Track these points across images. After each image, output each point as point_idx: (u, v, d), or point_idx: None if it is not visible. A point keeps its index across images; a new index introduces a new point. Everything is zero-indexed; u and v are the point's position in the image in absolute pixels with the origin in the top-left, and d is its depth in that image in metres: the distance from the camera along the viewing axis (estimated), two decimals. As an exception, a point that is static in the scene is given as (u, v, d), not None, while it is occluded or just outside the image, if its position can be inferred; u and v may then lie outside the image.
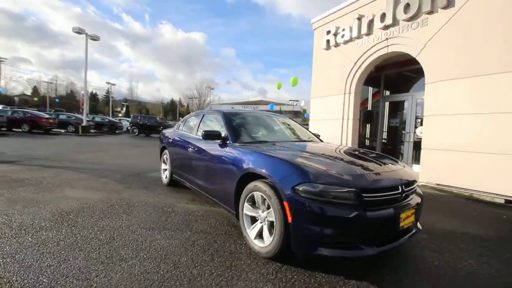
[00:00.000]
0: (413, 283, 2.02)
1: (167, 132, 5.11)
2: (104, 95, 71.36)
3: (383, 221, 2.00)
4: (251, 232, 2.45)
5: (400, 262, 2.35)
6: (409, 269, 2.23)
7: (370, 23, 6.61)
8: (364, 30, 6.75)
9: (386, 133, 8.18)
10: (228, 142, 3.03)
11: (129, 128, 23.37)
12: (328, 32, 7.80)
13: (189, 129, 4.28)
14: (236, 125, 3.30)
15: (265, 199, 2.29)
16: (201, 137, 3.69)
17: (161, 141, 5.15)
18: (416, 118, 7.08)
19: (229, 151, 2.85)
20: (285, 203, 2.04)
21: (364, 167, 2.34)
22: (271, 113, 4.42)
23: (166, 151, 4.80)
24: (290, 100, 56.26)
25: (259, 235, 2.38)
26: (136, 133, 21.78)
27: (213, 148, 3.17)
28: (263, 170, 2.28)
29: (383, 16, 6.27)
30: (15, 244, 2.32)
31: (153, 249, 2.36)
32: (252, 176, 2.49)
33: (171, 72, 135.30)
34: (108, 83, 42.88)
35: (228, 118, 3.39)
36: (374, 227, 1.99)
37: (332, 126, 7.68)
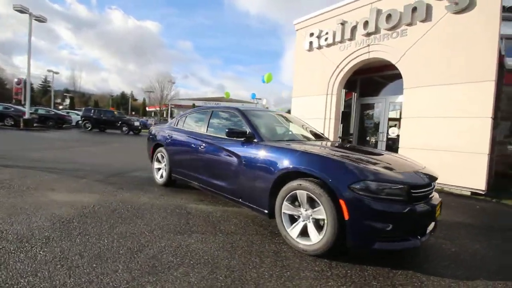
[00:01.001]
0: (450, 268, 2.24)
1: (160, 129, 4.76)
2: (41, 84, 62.75)
3: (427, 214, 2.18)
4: (292, 231, 2.44)
5: (427, 252, 2.58)
6: (438, 257, 2.47)
7: (354, 29, 7.03)
8: (347, 35, 7.14)
9: (359, 132, 8.80)
10: (255, 140, 2.95)
11: (80, 122, 21.03)
12: (312, 34, 8.07)
13: (194, 126, 4.05)
14: (258, 123, 3.23)
15: (310, 197, 2.31)
16: (214, 135, 3.55)
17: (153, 139, 4.78)
18: (389, 119, 7.77)
19: (260, 150, 2.79)
20: (342, 201, 2.08)
21: (403, 165, 2.51)
22: (274, 111, 4.43)
23: (161, 149, 4.47)
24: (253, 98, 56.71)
25: (302, 233, 2.39)
26: (89, 128, 19.72)
27: (237, 146, 3.05)
28: (312, 169, 2.29)
29: (366, 24, 6.72)
30: (27, 259, 1.95)
31: (195, 254, 2.20)
32: (291, 175, 2.48)
33: (121, 62, 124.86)
34: (49, 71, 37.56)
35: (248, 116, 3.30)
36: (421, 220, 2.16)
37: (314, 124, 7.94)
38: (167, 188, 4.31)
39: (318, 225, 2.32)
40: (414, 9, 5.84)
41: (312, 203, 2.34)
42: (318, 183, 2.26)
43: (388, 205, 2.04)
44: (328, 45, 7.68)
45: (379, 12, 6.47)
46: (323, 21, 7.83)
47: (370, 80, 8.42)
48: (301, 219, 2.43)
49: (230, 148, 3.12)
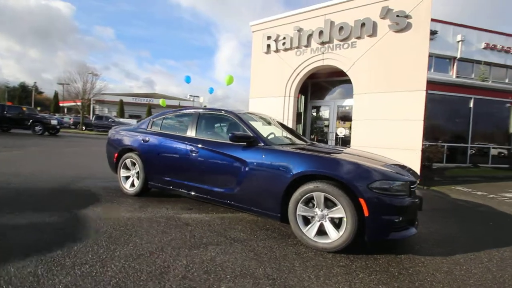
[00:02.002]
0: (429, 246, 2.71)
1: (127, 132, 4.20)
2: None
3: (418, 205, 2.58)
4: (309, 232, 2.55)
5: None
6: (416, 240, 2.94)
7: (309, 37, 7.57)
8: (303, 42, 7.64)
9: (311, 132, 9.55)
10: (260, 144, 2.94)
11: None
12: (269, 38, 8.32)
13: (177, 129, 3.75)
14: (257, 127, 3.21)
15: (327, 198, 2.46)
16: (208, 139, 3.37)
17: (117, 143, 4.21)
18: (337, 120, 8.67)
19: (269, 154, 2.80)
20: (362, 200, 2.30)
21: (398, 166, 2.89)
22: (254, 113, 4.44)
23: (130, 154, 3.98)
24: (190, 96, 54.54)
25: (319, 232, 2.53)
26: (-13, 128, 15.73)
27: (239, 151, 2.98)
28: (334, 172, 2.43)
29: (321, 33, 7.32)
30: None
31: (225, 267, 2.08)
32: (305, 178, 2.59)
33: (20, 47, 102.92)
34: None
35: (245, 120, 3.25)
36: (416, 210, 2.55)
37: (273, 125, 8.28)
38: (141, 198, 3.86)
39: (334, 224, 2.49)
40: (363, 25, 6.67)
41: (326, 203, 2.50)
42: (335, 184, 2.42)
43: (397, 200, 2.35)
44: (286, 50, 8.07)
45: (332, 23, 7.15)
46: (280, 26, 8.17)
47: (320, 84, 9.21)
48: (316, 219, 2.56)
49: (232, 153, 3.01)
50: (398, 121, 6.36)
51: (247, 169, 2.88)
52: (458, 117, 10.60)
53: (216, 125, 3.52)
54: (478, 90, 10.50)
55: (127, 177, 4.10)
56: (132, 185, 4.01)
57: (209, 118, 3.59)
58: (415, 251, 2.61)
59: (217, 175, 3.15)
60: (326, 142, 8.88)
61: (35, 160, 6.73)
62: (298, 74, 7.95)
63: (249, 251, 2.39)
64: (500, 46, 14.75)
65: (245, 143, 2.98)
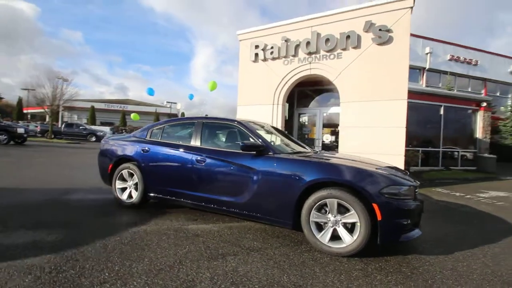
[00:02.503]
0: (430, 245, 2.91)
1: (123, 141, 4.07)
2: None
3: (421, 207, 2.76)
4: (322, 237, 2.63)
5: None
6: (414, 240, 3.13)
7: (297, 47, 7.82)
8: (291, 52, 7.88)
9: (298, 138, 9.76)
10: (270, 153, 2.99)
11: None
12: (257, 47, 8.47)
13: (180, 139, 3.69)
14: (265, 136, 3.27)
15: (340, 204, 2.57)
16: (215, 149, 3.38)
17: (111, 154, 4.05)
18: (323, 127, 8.97)
19: (281, 162, 2.86)
20: (375, 205, 2.42)
21: (400, 171, 3.07)
22: (257, 121, 4.49)
23: (128, 165, 3.84)
24: (167, 102, 53.14)
25: (332, 238, 2.61)
26: None
27: (249, 160, 3.00)
28: (344, 179, 2.54)
29: (308, 44, 7.60)
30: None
31: (250, 277, 2.09)
32: (317, 185, 2.67)
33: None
34: None
35: (253, 129, 3.29)
36: (420, 212, 2.73)
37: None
38: (140, 210, 3.73)
39: (347, 229, 2.59)
40: (348, 37, 7.04)
41: (339, 209, 2.60)
42: (348, 190, 2.54)
43: (405, 204, 2.50)
44: (274, 59, 8.25)
45: (319, 35, 7.46)
46: (267, 35, 8.35)
47: (306, 92, 9.50)
48: (329, 225, 2.65)
49: (242, 162, 3.03)
50: (382, 128, 6.73)
51: (258, 178, 2.91)
52: (430, 124, 11.41)
53: (222, 134, 3.52)
54: (447, 98, 11.42)
55: (123, 189, 3.94)
56: (130, 196, 3.86)
57: (214, 127, 3.59)
58: (419, 252, 2.77)
59: (226, 184, 3.15)
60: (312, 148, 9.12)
61: (9, 172, 6.22)
62: (286, 82, 8.15)
63: (268, 260, 2.41)
64: (463, 58, 16.22)
65: (254, 152, 3.01)
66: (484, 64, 16.81)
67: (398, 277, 2.22)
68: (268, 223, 3.10)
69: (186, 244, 2.66)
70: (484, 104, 11.85)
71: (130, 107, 48.40)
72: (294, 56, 7.90)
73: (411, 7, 6.41)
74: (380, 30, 6.63)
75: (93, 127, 31.03)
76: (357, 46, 6.96)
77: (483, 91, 17.30)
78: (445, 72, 15.96)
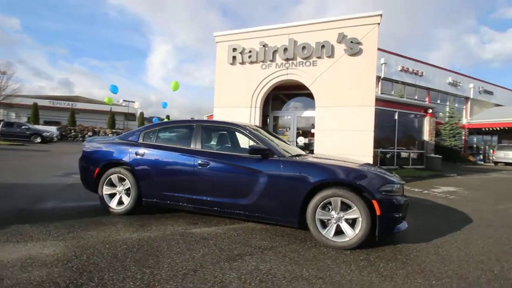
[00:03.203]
0: (411, 236, 3.34)
1: (111, 145, 3.85)
2: None
3: (408, 203, 3.17)
4: (327, 233, 2.86)
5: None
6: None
7: (275, 52, 8.10)
8: (269, 57, 8.14)
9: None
10: (275, 156, 3.13)
11: None
12: (234, 50, 8.55)
13: (177, 142, 3.64)
14: (268, 139, 3.40)
15: (343, 202, 2.83)
16: (218, 152, 3.41)
17: (100, 158, 3.81)
18: (297, 130, 9.39)
19: (288, 165, 3.03)
20: (374, 201, 2.73)
21: (387, 170, 3.44)
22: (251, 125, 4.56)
23: (118, 169, 3.66)
24: (124, 101, 49.63)
25: (336, 233, 2.86)
26: None
27: (255, 163, 3.11)
28: (347, 179, 2.81)
29: (285, 50, 7.94)
30: None
31: (274, 274, 2.21)
32: (322, 185, 2.90)
33: None
34: None
35: (258, 133, 3.41)
36: (407, 208, 3.12)
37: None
38: (132, 217, 3.57)
39: (349, 224, 2.86)
40: (323, 46, 7.54)
41: (341, 206, 2.86)
42: (350, 189, 2.81)
43: (398, 199, 2.86)
44: (251, 63, 8.43)
45: (295, 42, 7.85)
46: (245, 39, 8.50)
47: (281, 96, 9.85)
48: (333, 221, 2.89)
49: (248, 165, 3.12)
50: (353, 132, 7.34)
51: (265, 180, 3.03)
52: (387, 127, 12.68)
53: (223, 138, 3.56)
54: (401, 105, 12.80)
55: (111, 195, 3.73)
56: (120, 203, 3.67)
57: (214, 130, 3.61)
58: (404, 241, 3.16)
59: (231, 187, 3.21)
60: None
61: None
62: (263, 86, 8.38)
63: (282, 257, 2.55)
64: (411, 69, 18.32)
65: (259, 156, 3.13)
66: (428, 75, 19.21)
67: (397, 263, 2.54)
68: (272, 222, 3.24)
69: (199, 248, 2.67)
70: (430, 110, 13.56)
71: (80, 105, 44.13)
72: (271, 61, 8.18)
73: (378, 23, 7.13)
74: (351, 42, 7.24)
75: (37, 126, 27.64)
76: (331, 56, 7.50)
77: (427, 99, 19.73)
78: (397, 81, 17.85)
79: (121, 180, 3.68)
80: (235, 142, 3.50)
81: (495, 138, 23.64)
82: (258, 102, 8.48)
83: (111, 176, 3.69)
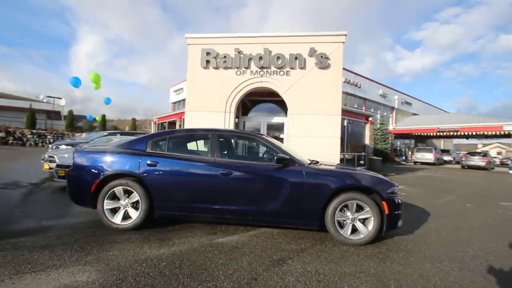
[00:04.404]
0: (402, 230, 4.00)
1: (113, 154, 3.50)
2: None
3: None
4: (345, 232, 3.25)
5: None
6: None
7: (250, 60, 8.32)
8: (244, 64, 8.32)
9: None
10: (296, 165, 3.38)
11: None
12: (208, 54, 8.46)
13: (192, 151, 3.57)
14: (284, 148, 3.61)
15: (358, 203, 3.26)
16: (241, 161, 3.49)
17: (99, 169, 3.44)
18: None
19: (312, 173, 3.31)
20: (384, 202, 3.22)
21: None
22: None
23: (125, 181, 3.38)
24: (48, 97, 42.91)
25: (352, 232, 3.27)
26: None
27: (278, 171, 3.30)
28: (367, 184, 3.24)
29: (260, 58, 8.24)
30: None
31: (322, 273, 2.46)
32: (340, 190, 3.28)
33: None
34: None
35: (274, 141, 3.59)
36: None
37: (214, 140, 8.43)
38: (141, 232, 3.35)
39: (362, 223, 3.30)
40: (296, 58, 8.11)
41: (356, 208, 3.28)
42: (364, 192, 3.25)
43: (397, 199, 3.42)
44: (226, 68, 8.48)
45: (270, 52, 8.23)
46: (220, 44, 8.51)
47: (251, 102, 10.11)
48: (348, 221, 3.29)
49: (273, 174, 3.29)
50: (322, 138, 8.09)
51: (289, 187, 3.25)
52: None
53: (242, 147, 3.62)
54: (349, 113, 14.46)
55: (114, 209, 3.42)
56: (125, 218, 3.40)
57: (232, 139, 3.65)
58: (395, 235, 3.78)
59: (256, 195, 3.32)
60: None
61: None
62: (238, 92, 8.52)
63: (317, 257, 2.82)
64: (352, 81, 20.77)
65: (281, 164, 3.34)
66: (364, 87, 22.06)
67: (404, 253, 3.07)
68: (293, 226, 3.47)
69: (238, 257, 2.73)
70: (370, 118, 15.67)
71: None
72: (246, 68, 8.39)
73: (343, 42, 8.05)
74: (321, 56, 7.99)
75: None
76: (303, 67, 8.13)
77: (363, 108, 22.61)
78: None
79: (127, 193, 3.41)
80: (253, 150, 3.62)
81: (413, 141, 28.53)
82: (233, 107, 8.57)
83: (114, 189, 3.38)
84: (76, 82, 14.02)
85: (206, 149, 3.66)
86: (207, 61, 8.51)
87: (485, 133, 19.44)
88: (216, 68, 8.53)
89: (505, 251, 3.27)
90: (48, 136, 25.62)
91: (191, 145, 3.72)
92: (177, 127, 19.74)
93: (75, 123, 40.31)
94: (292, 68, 8.21)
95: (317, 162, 3.97)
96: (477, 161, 18.72)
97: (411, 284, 2.34)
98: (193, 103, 8.70)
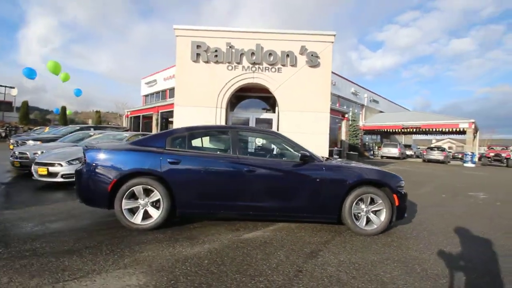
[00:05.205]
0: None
1: (130, 152, 3.37)
2: None
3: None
4: (360, 224, 3.51)
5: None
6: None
7: (242, 55, 8.28)
8: (236, 59, 8.26)
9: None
10: (315, 161, 3.54)
11: None
12: (199, 47, 8.24)
13: (212, 149, 3.55)
14: (301, 145, 3.75)
15: (372, 197, 3.53)
16: (262, 158, 3.54)
17: (117, 168, 3.26)
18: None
19: (331, 168, 3.49)
20: (395, 195, 3.53)
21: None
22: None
23: (145, 179, 3.27)
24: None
25: (366, 223, 3.54)
26: None
27: (300, 167, 3.44)
28: (381, 179, 3.52)
29: (252, 54, 8.24)
30: None
31: (355, 261, 2.67)
32: (356, 185, 3.52)
33: None
34: None
35: (291, 139, 3.71)
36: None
37: (205, 135, 8.32)
38: (166, 232, 3.27)
39: (374, 215, 3.58)
40: (287, 56, 8.26)
41: (370, 200, 3.56)
42: (378, 186, 3.53)
43: (405, 192, 3.75)
44: (217, 62, 8.35)
45: (262, 48, 8.27)
46: (210, 37, 8.33)
47: (240, 98, 10.08)
48: (363, 213, 3.55)
49: (296, 170, 3.42)
50: (311, 134, 8.39)
51: (311, 182, 3.41)
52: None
53: (262, 144, 3.67)
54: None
55: (131, 209, 3.30)
56: (147, 216, 3.30)
57: (250, 136, 3.69)
58: (397, 224, 4.15)
59: (281, 191, 3.42)
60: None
61: None
62: (230, 87, 8.46)
63: (343, 248, 3.02)
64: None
65: (301, 161, 3.48)
66: (338, 85, 23.04)
67: (413, 240, 3.41)
68: (313, 220, 3.64)
69: (273, 251, 2.83)
70: (346, 115, 16.53)
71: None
72: (238, 63, 8.35)
73: (332, 42, 8.37)
74: (312, 55, 8.24)
75: None
76: (294, 65, 8.32)
77: (337, 105, 23.66)
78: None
79: (147, 192, 3.30)
80: (270, 147, 3.70)
81: (379, 137, 30.59)
82: (224, 102, 8.50)
83: (133, 188, 3.25)
84: (30, 73, 12.63)
85: (223, 146, 3.67)
86: (198, 54, 8.30)
87: (443, 129, 21.58)
88: (207, 62, 8.36)
89: (493, 232, 3.78)
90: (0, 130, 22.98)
91: (209, 142, 3.69)
92: (154, 121, 18.93)
93: (33, 115, 36.40)
94: (283, 65, 8.35)
95: (328, 158, 4.18)
96: (436, 155, 20.77)
97: (432, 267, 2.64)
98: (183, 97, 8.46)
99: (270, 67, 8.38)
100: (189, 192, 3.33)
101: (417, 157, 27.14)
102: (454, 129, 20.66)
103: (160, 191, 3.27)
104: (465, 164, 19.31)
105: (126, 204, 3.25)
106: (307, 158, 3.47)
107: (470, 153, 19.24)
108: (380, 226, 3.50)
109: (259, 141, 3.91)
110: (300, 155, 3.40)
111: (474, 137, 20.79)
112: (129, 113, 23.12)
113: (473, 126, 19.39)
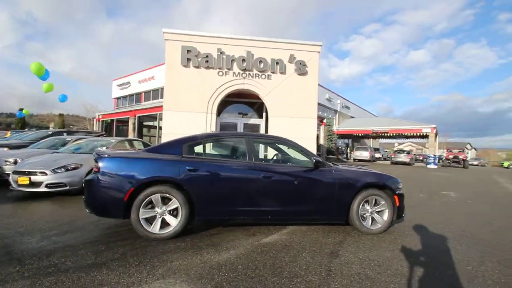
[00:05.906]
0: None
1: (145, 160, 3.32)
2: None
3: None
4: (366, 224, 3.78)
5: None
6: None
7: (232, 61, 8.37)
8: (227, 65, 8.32)
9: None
10: (326, 167, 3.76)
11: None
12: (189, 51, 8.18)
13: (228, 156, 3.60)
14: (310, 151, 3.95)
15: (376, 199, 3.83)
16: (276, 164, 3.68)
17: (134, 176, 3.19)
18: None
19: (341, 173, 3.73)
20: (396, 196, 3.87)
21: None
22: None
23: (164, 187, 3.24)
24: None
25: (371, 222, 3.83)
26: None
27: (312, 172, 3.63)
28: (385, 182, 3.82)
29: (243, 61, 8.37)
30: None
31: (373, 258, 2.90)
32: (363, 187, 3.80)
33: None
34: None
35: (301, 145, 3.90)
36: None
37: (195, 141, 8.24)
38: (185, 240, 3.26)
39: (378, 215, 3.88)
40: (277, 63, 8.52)
41: (374, 202, 3.85)
42: (381, 188, 3.84)
43: (403, 193, 4.12)
44: (208, 68, 8.35)
45: (252, 55, 8.45)
46: (201, 42, 8.32)
47: (228, 103, 10.12)
48: (368, 214, 3.84)
49: (309, 176, 3.60)
50: (299, 139, 8.62)
51: (323, 187, 3.62)
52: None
53: (275, 150, 3.78)
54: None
55: (148, 219, 3.24)
56: (165, 225, 3.26)
57: (262, 143, 3.80)
58: (396, 222, 4.52)
59: (296, 196, 3.56)
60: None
61: None
62: (220, 93, 8.50)
63: (357, 247, 3.25)
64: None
65: (312, 166, 3.68)
66: (314, 91, 24.00)
67: (412, 237, 3.76)
68: (323, 222, 3.84)
69: (298, 253, 2.96)
70: (325, 120, 17.28)
71: None
72: (229, 69, 8.43)
73: (319, 52, 8.81)
74: (300, 63, 8.60)
75: None
76: (284, 72, 8.61)
77: (313, 110, 24.60)
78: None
79: (164, 200, 3.26)
80: (284, 154, 3.84)
81: (350, 141, 32.23)
82: (215, 108, 8.51)
83: (151, 197, 3.20)
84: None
85: (238, 153, 3.75)
86: (188, 59, 8.23)
87: (408, 134, 23.46)
88: (197, 67, 8.32)
89: (472, 225, 4.28)
90: None
91: (224, 149, 3.74)
92: (130, 125, 18.09)
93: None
94: (273, 72, 8.60)
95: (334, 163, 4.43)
96: (403, 158, 22.50)
97: (439, 259, 2.97)
98: (172, 102, 8.31)
99: (260, 73, 8.57)
100: (209, 199, 3.35)
101: (385, 159, 29.08)
102: (417, 134, 22.56)
103: (179, 199, 3.25)
104: (428, 166, 21.15)
105: (143, 213, 3.19)
106: (320, 164, 3.68)
107: (432, 156, 21.14)
108: (383, 226, 3.80)
109: (275, 148, 4.04)
110: (314, 161, 3.59)
111: (435, 140, 22.89)
112: (100, 116, 21.82)
113: (434, 131, 21.35)
